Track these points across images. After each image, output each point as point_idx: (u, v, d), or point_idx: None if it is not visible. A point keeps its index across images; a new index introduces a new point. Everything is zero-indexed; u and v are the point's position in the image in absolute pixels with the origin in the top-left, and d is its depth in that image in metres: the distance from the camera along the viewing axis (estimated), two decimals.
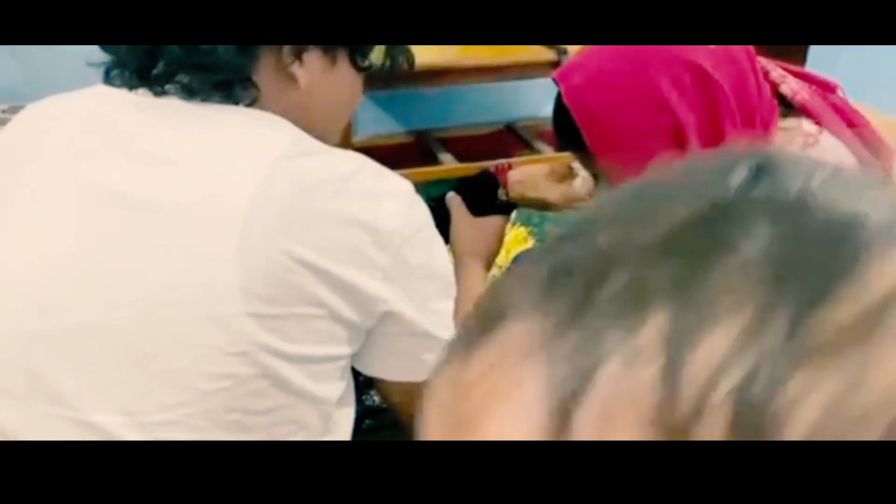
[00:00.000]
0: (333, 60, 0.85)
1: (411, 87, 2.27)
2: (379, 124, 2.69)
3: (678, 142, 1.06)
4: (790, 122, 1.13)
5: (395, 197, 0.80)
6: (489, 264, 1.21)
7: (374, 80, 0.93)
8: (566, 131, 1.12)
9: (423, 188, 2.60)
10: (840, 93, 1.18)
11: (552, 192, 1.26)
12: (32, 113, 0.86)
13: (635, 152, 1.09)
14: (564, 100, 1.10)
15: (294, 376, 0.76)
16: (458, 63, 2.25)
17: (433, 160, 2.57)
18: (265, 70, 0.80)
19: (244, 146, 0.76)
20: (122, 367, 0.73)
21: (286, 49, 0.81)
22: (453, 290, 0.88)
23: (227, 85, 0.78)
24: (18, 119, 0.86)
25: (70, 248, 0.75)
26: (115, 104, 0.80)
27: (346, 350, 0.80)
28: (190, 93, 0.77)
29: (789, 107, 1.13)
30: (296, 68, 0.82)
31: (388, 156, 2.63)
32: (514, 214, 2.17)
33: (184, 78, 0.77)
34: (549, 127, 1.17)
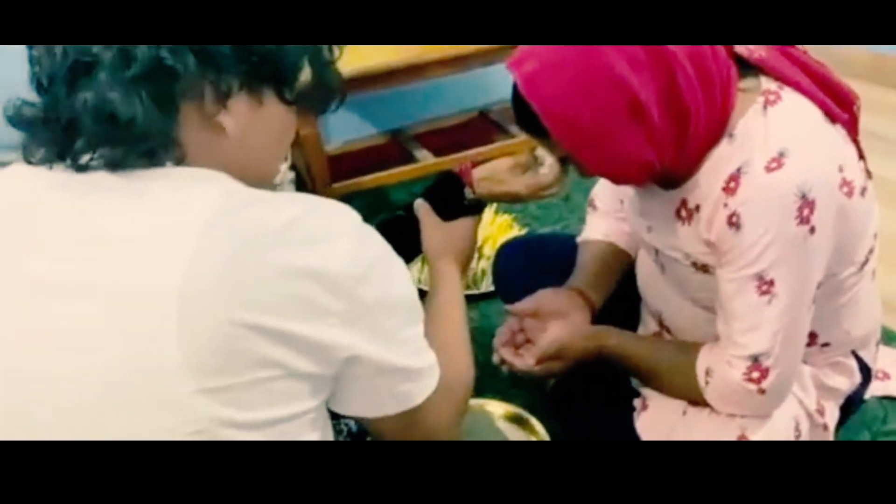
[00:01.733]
0: (260, 99, 0.81)
1: (379, 88, 2.24)
2: (350, 129, 2.67)
3: (639, 116, 1.04)
4: (749, 83, 1.10)
5: (340, 236, 0.75)
6: (464, 267, 1.18)
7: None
8: (527, 118, 1.10)
9: (404, 188, 2.55)
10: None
11: (519, 184, 1.24)
12: None
13: (597, 132, 1.06)
14: (520, 88, 1.08)
15: None
16: (423, 58, 2.22)
17: (410, 158, 2.55)
18: (189, 126, 0.77)
19: (173, 213, 0.72)
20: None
21: (209, 100, 0.77)
22: (419, 312, 0.84)
23: (151, 151, 0.74)
24: None
25: (8, 351, 0.72)
26: (35, 185, 0.77)
27: (310, 403, 0.77)
28: (113, 166, 0.74)
29: (747, 66, 1.11)
30: (222, 117, 0.78)
31: (364, 160, 2.62)
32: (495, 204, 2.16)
33: (105, 151, 0.74)
34: None
